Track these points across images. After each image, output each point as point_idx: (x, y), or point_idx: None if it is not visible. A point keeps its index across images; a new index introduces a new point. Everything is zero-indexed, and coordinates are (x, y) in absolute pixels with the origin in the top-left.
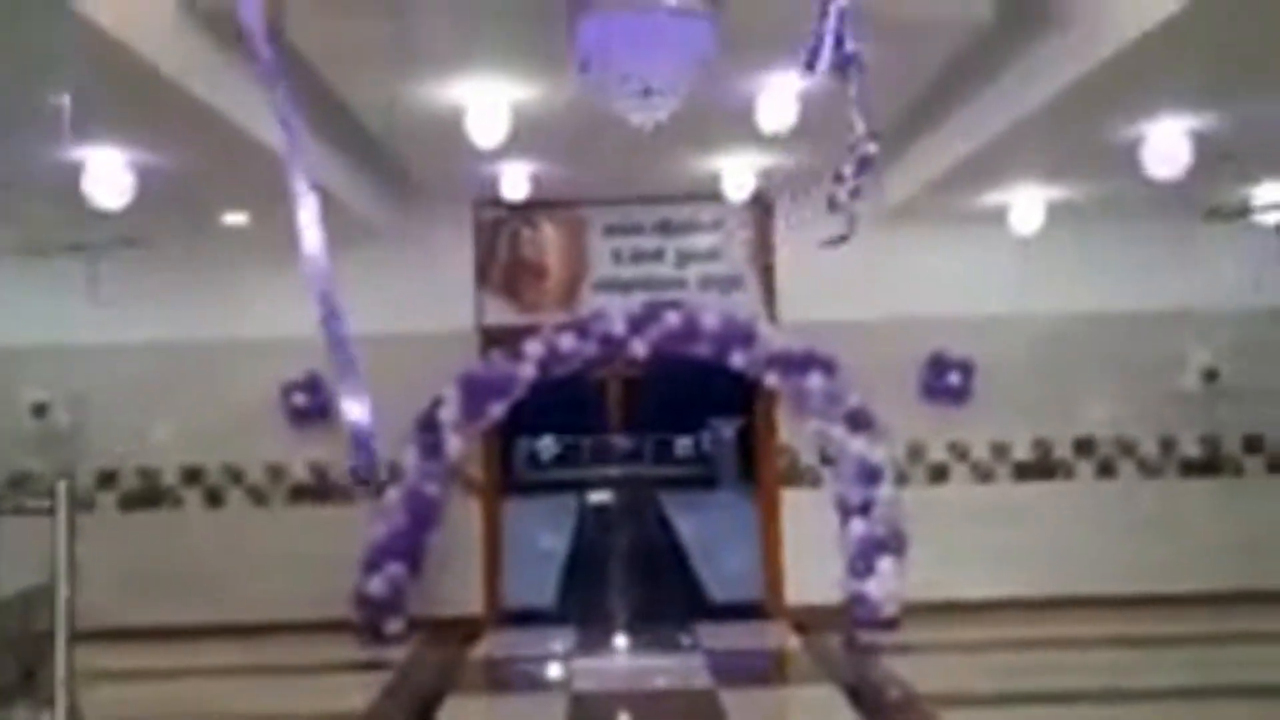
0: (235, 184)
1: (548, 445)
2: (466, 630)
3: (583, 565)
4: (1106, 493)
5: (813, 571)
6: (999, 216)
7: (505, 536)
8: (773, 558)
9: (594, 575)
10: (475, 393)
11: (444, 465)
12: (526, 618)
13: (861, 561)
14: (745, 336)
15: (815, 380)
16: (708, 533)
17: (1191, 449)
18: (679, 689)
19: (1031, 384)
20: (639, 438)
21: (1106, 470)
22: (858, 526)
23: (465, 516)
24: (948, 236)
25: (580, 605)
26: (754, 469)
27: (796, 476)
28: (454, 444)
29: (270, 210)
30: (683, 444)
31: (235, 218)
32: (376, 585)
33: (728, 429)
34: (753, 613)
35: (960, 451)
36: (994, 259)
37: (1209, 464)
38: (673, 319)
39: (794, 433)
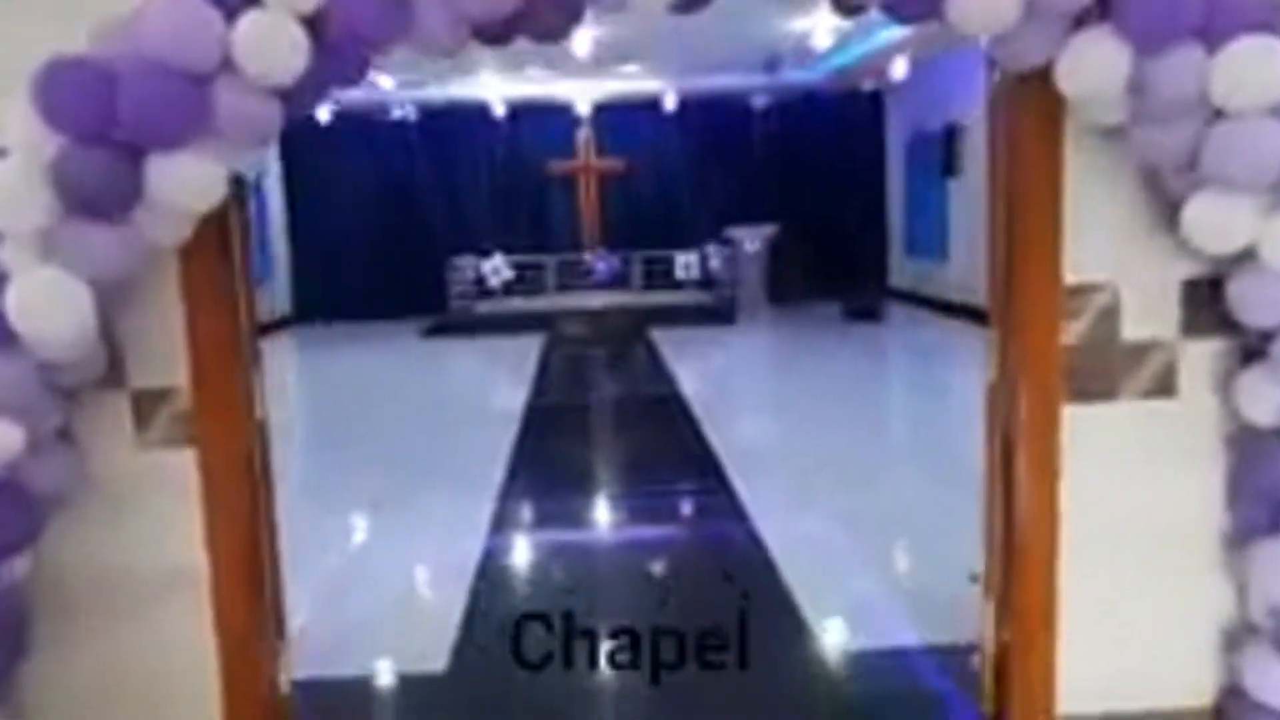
0: None
1: (497, 267)
2: None
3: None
4: None
5: (1145, 622)
6: None
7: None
8: (1031, 576)
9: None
10: (89, 109)
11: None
12: None
13: None
14: None
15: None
16: (755, 433)
17: None
18: None
19: None
20: (623, 255)
21: None
22: None
23: (159, 502)
24: None
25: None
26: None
27: (1112, 374)
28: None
29: None
30: (685, 262)
31: None
32: None
33: (752, 240)
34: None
35: None
36: None
37: None
38: None
39: (1116, 248)
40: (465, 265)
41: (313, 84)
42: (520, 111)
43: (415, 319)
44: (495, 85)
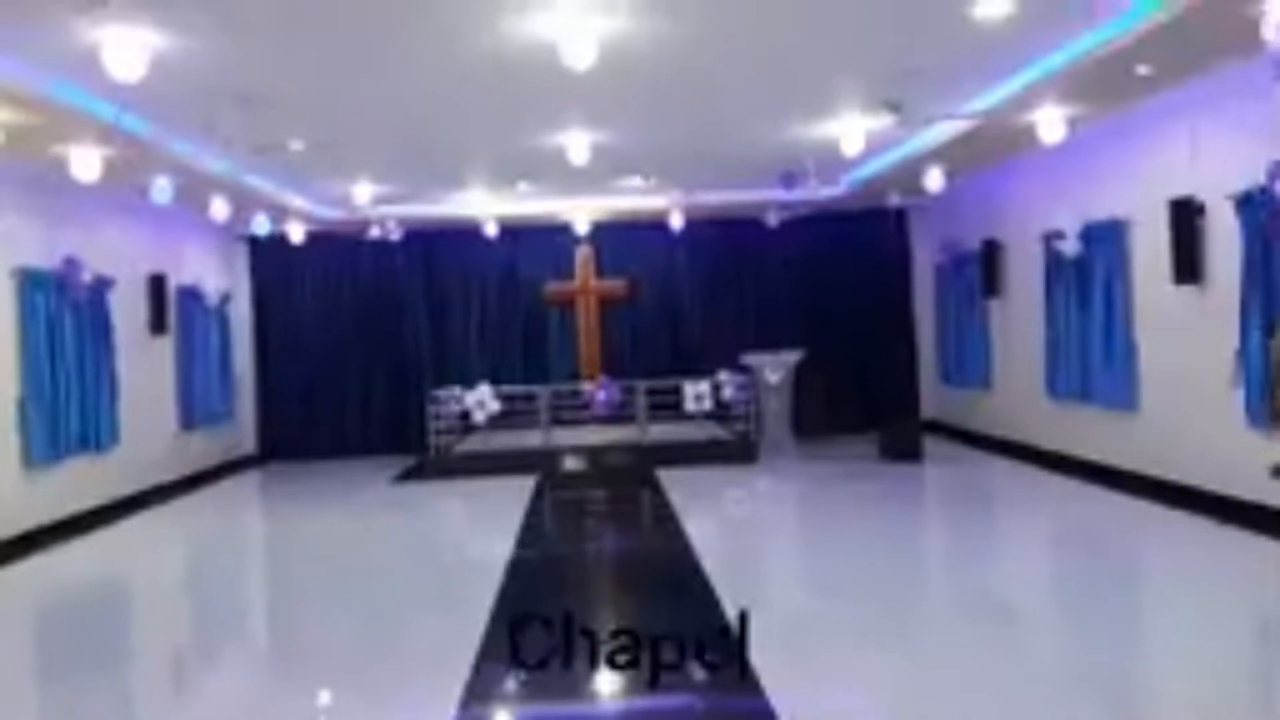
0: None
1: (483, 400)
2: None
3: None
4: None
5: None
6: None
7: None
8: None
9: None
10: None
11: None
12: None
13: None
14: None
15: None
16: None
17: None
18: None
19: None
20: (625, 385)
21: None
22: None
23: None
24: None
25: None
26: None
27: None
28: None
29: None
30: (695, 393)
31: None
32: None
33: (774, 368)
34: None
35: None
36: None
37: None
38: None
39: None
40: (448, 398)
41: None
42: (514, 230)
43: (392, 457)
44: (487, 203)
